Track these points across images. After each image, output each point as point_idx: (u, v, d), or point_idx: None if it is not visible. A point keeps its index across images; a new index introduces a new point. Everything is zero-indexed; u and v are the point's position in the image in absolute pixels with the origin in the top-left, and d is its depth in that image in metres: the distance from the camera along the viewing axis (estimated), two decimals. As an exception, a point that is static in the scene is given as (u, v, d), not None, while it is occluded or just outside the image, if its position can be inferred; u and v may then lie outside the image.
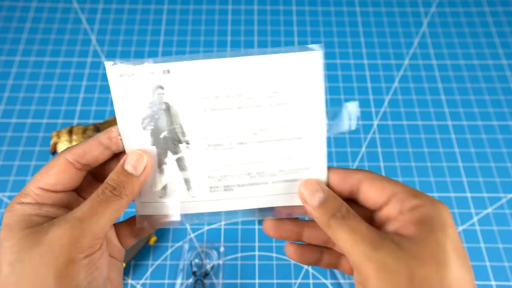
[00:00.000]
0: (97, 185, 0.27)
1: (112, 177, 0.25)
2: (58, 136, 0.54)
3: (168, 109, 0.27)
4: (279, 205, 0.29)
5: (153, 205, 0.28)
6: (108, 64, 0.27)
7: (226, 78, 0.26)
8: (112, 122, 0.63)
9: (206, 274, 0.62)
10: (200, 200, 0.28)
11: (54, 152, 0.55)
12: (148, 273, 0.63)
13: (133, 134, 0.27)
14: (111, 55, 0.84)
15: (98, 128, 0.57)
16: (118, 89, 0.28)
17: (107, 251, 0.27)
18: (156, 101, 0.27)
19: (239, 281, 0.63)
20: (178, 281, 0.61)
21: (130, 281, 0.61)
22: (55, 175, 0.25)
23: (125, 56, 0.84)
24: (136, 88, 0.28)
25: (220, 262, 0.64)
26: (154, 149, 0.27)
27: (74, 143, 0.53)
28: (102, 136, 0.27)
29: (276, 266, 0.64)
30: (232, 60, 0.25)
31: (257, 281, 0.63)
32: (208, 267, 0.63)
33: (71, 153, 0.26)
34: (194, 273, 0.62)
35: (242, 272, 0.64)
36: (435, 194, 0.70)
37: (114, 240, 0.29)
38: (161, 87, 0.27)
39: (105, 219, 0.24)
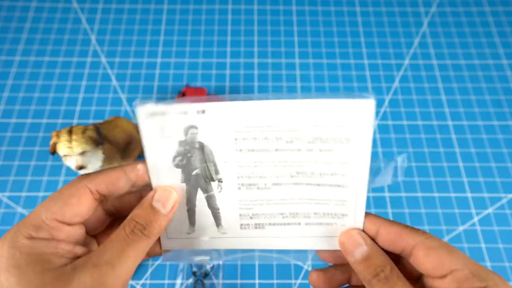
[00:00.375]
0: (103, 216, 0.26)
1: (139, 213, 0.23)
2: (58, 136, 0.54)
3: (201, 147, 0.26)
4: (316, 248, 0.28)
5: (180, 240, 0.28)
6: (138, 104, 0.25)
7: (266, 121, 0.25)
8: (112, 122, 0.63)
9: (206, 274, 0.62)
10: (230, 237, 0.28)
11: (53, 152, 0.55)
12: (148, 273, 0.63)
13: (163, 171, 0.26)
14: (111, 55, 0.84)
15: (98, 128, 0.57)
16: (148, 127, 0.25)
17: None
18: (188, 139, 0.26)
19: (239, 281, 0.63)
20: (178, 281, 0.61)
21: (130, 281, 0.61)
22: (76, 207, 0.22)
23: (124, 56, 0.84)
24: (167, 127, 0.26)
25: (220, 262, 0.64)
26: (184, 186, 0.26)
27: (73, 143, 0.53)
28: (128, 169, 0.25)
29: (276, 266, 0.64)
30: (274, 103, 0.24)
31: (257, 281, 0.63)
32: (208, 267, 0.63)
33: (94, 182, 0.23)
34: (194, 273, 0.62)
35: (242, 272, 0.63)
36: (436, 194, 0.70)
37: None
38: (195, 127, 0.26)
39: (136, 263, 0.22)
